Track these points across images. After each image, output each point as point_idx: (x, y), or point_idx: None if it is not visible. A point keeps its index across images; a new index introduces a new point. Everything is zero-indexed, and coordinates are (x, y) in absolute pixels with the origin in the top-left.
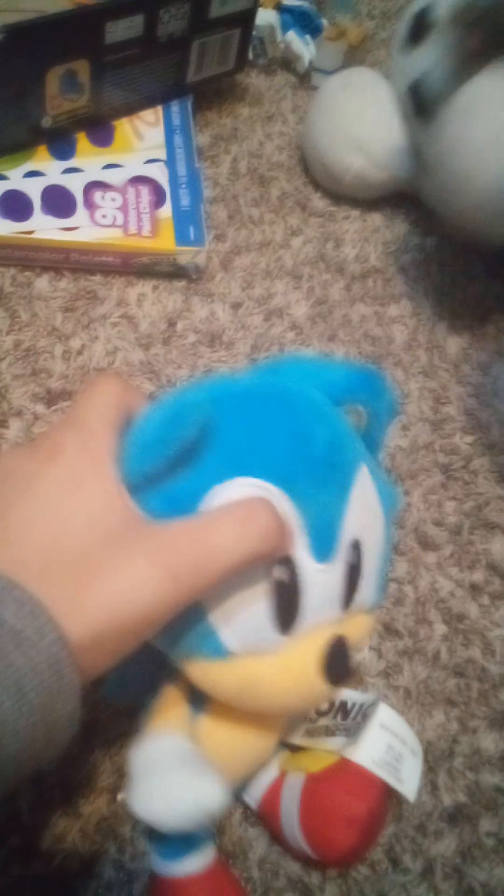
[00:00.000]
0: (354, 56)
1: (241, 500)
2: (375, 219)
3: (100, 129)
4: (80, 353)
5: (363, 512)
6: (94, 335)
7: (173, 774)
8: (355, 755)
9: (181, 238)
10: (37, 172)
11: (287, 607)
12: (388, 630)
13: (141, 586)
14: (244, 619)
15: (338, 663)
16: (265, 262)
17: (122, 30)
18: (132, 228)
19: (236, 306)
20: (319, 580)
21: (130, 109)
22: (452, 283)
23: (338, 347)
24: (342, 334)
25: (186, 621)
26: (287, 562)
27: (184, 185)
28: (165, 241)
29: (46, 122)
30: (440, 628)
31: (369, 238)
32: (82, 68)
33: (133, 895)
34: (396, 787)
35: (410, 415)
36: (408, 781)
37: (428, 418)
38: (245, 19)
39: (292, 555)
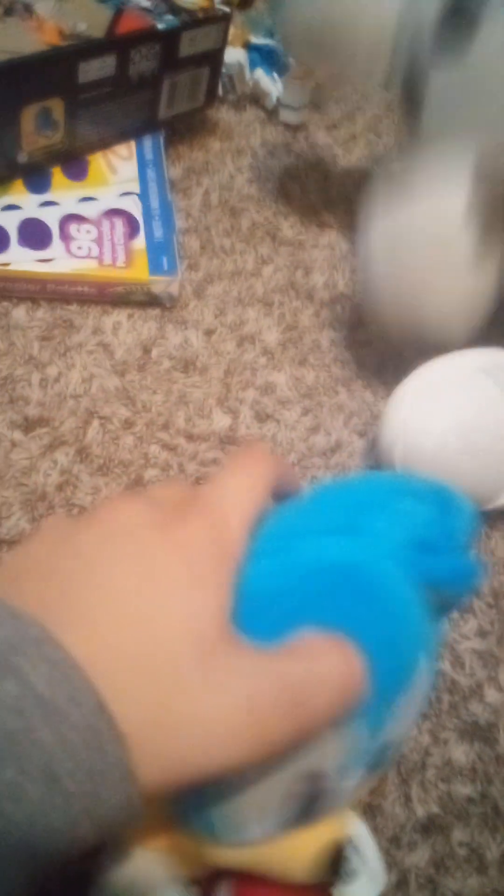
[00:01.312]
0: (321, 93)
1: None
2: (342, 247)
3: (74, 164)
4: (56, 380)
5: (404, 712)
6: (70, 363)
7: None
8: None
9: (155, 268)
10: (13, 206)
11: (305, 812)
12: None
13: (225, 744)
14: (264, 822)
15: (339, 868)
16: (237, 289)
17: (94, 70)
18: (107, 259)
19: (209, 333)
20: (338, 793)
21: (104, 144)
22: None
23: (308, 371)
24: (312, 359)
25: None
26: (312, 778)
27: (157, 217)
28: (139, 271)
29: (22, 158)
30: None
31: (337, 265)
32: (57, 106)
33: None
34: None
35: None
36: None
37: None
38: (213, 58)
39: (320, 770)
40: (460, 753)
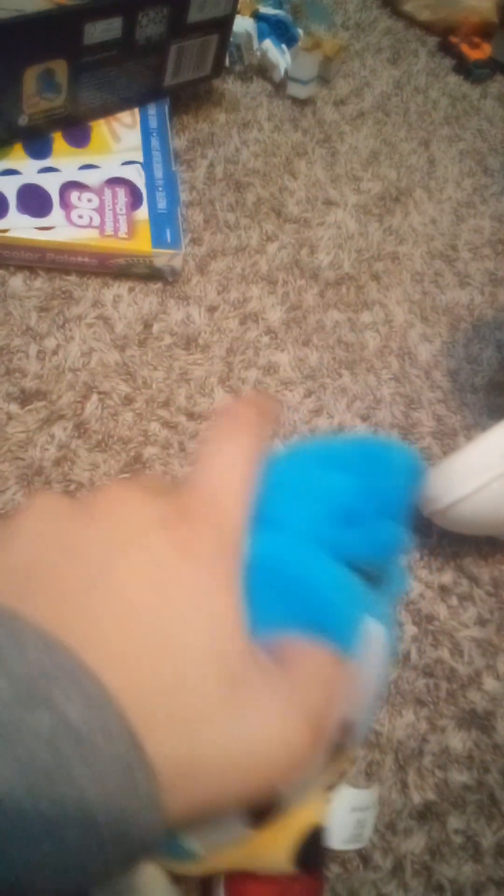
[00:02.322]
0: (329, 67)
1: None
2: (349, 226)
3: (76, 130)
4: (55, 353)
5: (357, 691)
6: (69, 335)
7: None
8: (328, 840)
9: (157, 240)
10: (12, 171)
11: (260, 816)
12: None
13: (253, 778)
14: (216, 830)
15: (310, 856)
16: (241, 266)
17: (100, 31)
18: (108, 229)
19: (212, 310)
20: (300, 787)
21: (107, 111)
22: (424, 293)
23: (311, 352)
24: (316, 339)
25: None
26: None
27: (160, 188)
28: (142, 243)
29: (23, 121)
30: (410, 629)
31: (343, 245)
32: (60, 68)
33: None
34: (357, 846)
35: (382, 420)
36: (367, 835)
37: (399, 423)
38: (222, 25)
39: None
40: (457, 741)
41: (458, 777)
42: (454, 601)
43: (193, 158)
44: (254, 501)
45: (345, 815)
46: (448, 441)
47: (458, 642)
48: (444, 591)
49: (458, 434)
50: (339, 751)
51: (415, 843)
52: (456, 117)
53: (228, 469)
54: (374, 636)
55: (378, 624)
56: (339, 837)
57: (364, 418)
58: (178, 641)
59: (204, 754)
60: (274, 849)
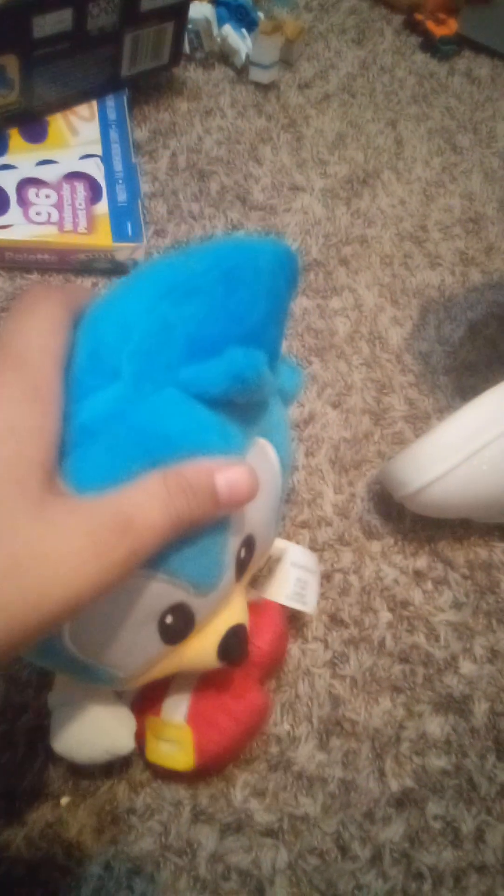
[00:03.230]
0: (291, 49)
1: (160, 475)
2: (317, 211)
3: (32, 125)
4: None
5: (253, 505)
6: None
7: (87, 719)
8: (268, 594)
9: (118, 234)
10: None
11: (178, 636)
12: (334, 620)
13: (75, 575)
14: (135, 658)
15: (233, 651)
16: None
17: (50, 24)
18: (68, 225)
19: None
20: (209, 600)
21: (64, 104)
22: (393, 276)
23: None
24: (286, 328)
25: (80, 668)
26: (175, 609)
27: (120, 181)
28: (102, 238)
29: None
30: (385, 616)
31: (311, 231)
32: (11, 63)
33: None
34: (302, 609)
35: (353, 406)
36: (310, 601)
37: (371, 409)
38: (178, 12)
39: (179, 601)
40: (435, 726)
41: (437, 762)
42: (429, 586)
43: (155, 149)
44: (85, 355)
45: (284, 568)
46: (421, 424)
47: (433, 627)
48: (418, 575)
49: (431, 417)
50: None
51: (393, 831)
52: (423, 96)
53: (34, 333)
54: (259, 453)
55: (264, 442)
56: (281, 592)
57: (335, 405)
58: None
59: (13, 566)
60: (199, 650)
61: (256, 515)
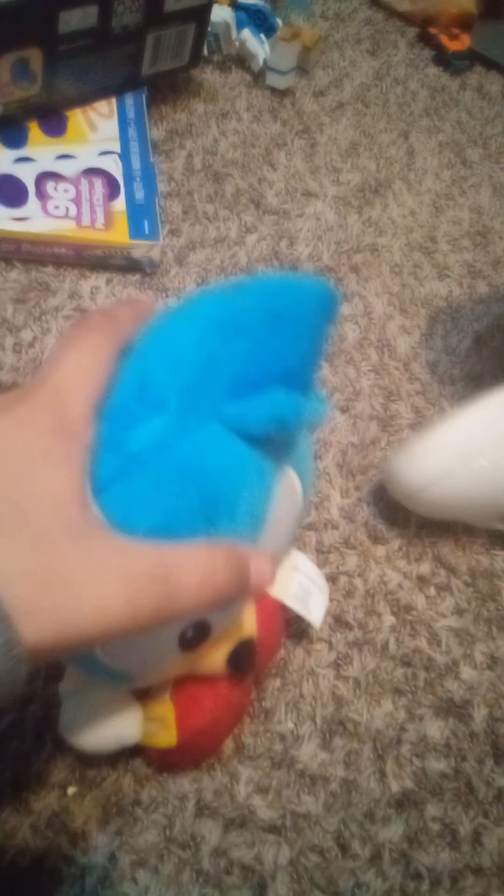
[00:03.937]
0: (308, 57)
1: (209, 548)
2: (329, 218)
3: (52, 119)
4: (31, 345)
5: (276, 531)
6: (45, 327)
7: (98, 709)
8: (272, 591)
9: (135, 231)
10: None
11: (193, 647)
12: (339, 622)
13: (106, 607)
14: (154, 666)
15: (241, 663)
16: (220, 258)
17: (75, 20)
18: (85, 220)
19: None
20: (227, 615)
21: (84, 100)
22: (402, 285)
23: None
24: None
25: (104, 672)
26: (197, 625)
27: (138, 179)
28: (119, 234)
29: None
30: (388, 619)
31: (322, 237)
32: (34, 57)
33: (86, 889)
34: (304, 615)
35: (361, 412)
36: (314, 611)
37: (378, 416)
38: (200, 14)
39: (202, 618)
40: (435, 730)
41: (436, 765)
42: (432, 591)
43: (171, 149)
44: (134, 383)
45: (287, 571)
46: None
47: (435, 632)
48: (421, 581)
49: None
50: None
51: (393, 832)
52: (435, 109)
53: (72, 367)
54: (286, 484)
55: (291, 472)
56: (283, 592)
57: (343, 410)
58: (15, 496)
59: (54, 588)
60: (209, 658)
61: (278, 539)
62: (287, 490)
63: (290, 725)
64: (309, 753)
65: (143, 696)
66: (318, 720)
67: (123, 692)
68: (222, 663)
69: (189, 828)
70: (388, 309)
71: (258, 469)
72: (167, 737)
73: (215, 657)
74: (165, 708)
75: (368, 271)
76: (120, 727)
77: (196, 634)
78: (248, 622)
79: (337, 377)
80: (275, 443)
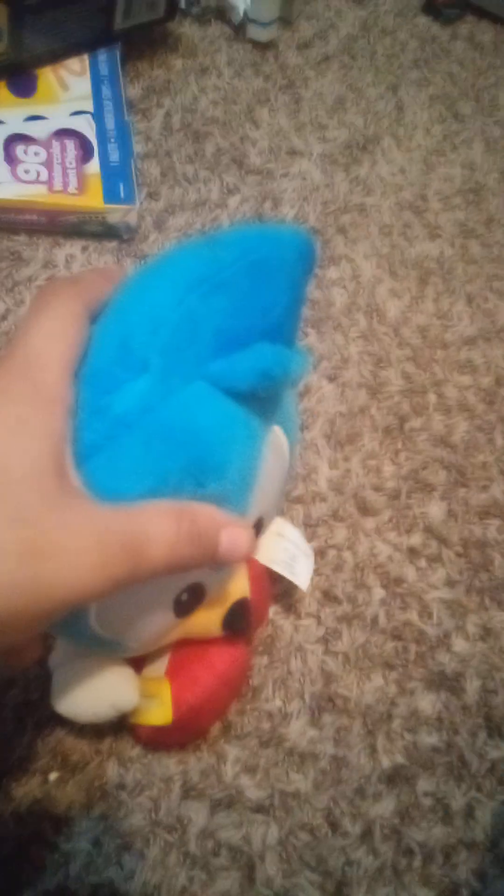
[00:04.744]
0: (291, 7)
1: (178, 517)
2: (315, 177)
3: (21, 78)
4: (3, 317)
5: (265, 491)
6: (19, 299)
7: (91, 675)
8: (257, 556)
9: (110, 195)
10: None
11: (188, 611)
12: (327, 596)
13: (81, 577)
14: (150, 632)
15: (237, 622)
16: (201, 221)
17: None
18: (57, 185)
19: None
20: (221, 576)
21: (54, 57)
22: (392, 246)
23: None
24: None
25: (98, 642)
26: (191, 588)
27: (113, 140)
28: (93, 199)
29: None
30: (378, 592)
31: (308, 197)
32: (0, 12)
33: (70, 875)
34: (291, 578)
35: (349, 380)
36: (301, 575)
37: (367, 383)
38: None
39: (197, 581)
40: (427, 703)
41: (428, 739)
42: (423, 563)
43: (148, 108)
44: (114, 346)
45: (272, 537)
46: (418, 399)
47: (426, 604)
48: (412, 553)
49: (428, 391)
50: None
51: (384, 808)
52: (425, 60)
53: (41, 333)
54: (274, 442)
55: (278, 430)
56: (268, 556)
57: (331, 379)
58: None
59: (31, 555)
60: (204, 621)
61: (266, 500)
62: (275, 448)
63: (279, 703)
64: (298, 731)
65: (137, 671)
66: (307, 697)
67: (116, 659)
68: (218, 624)
69: (175, 810)
70: (376, 272)
71: (246, 427)
72: (162, 714)
73: (210, 619)
74: (161, 684)
75: (356, 232)
76: (115, 693)
77: (191, 598)
78: (242, 582)
79: (324, 344)
80: (262, 400)
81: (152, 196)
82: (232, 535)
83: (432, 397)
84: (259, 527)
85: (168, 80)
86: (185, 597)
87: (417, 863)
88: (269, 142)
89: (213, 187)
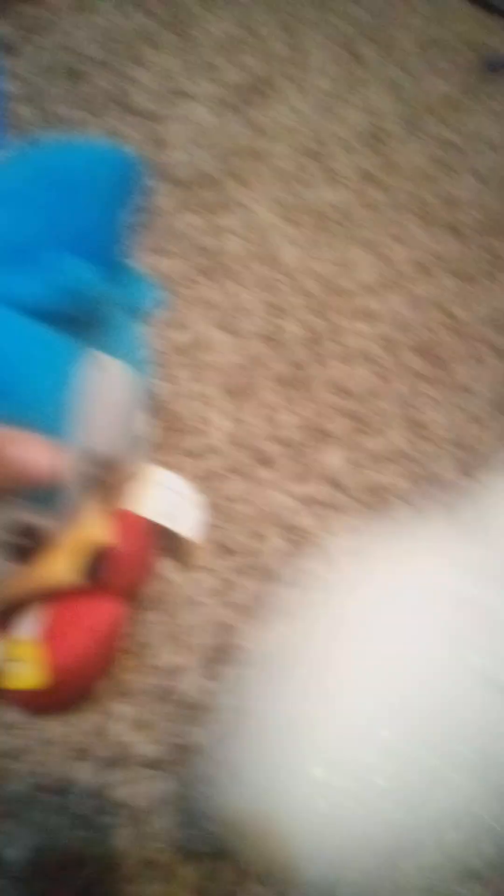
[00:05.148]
0: None
1: None
2: (205, 120)
3: None
4: None
5: (96, 420)
6: None
7: None
8: (135, 507)
9: None
10: None
11: (26, 556)
12: (222, 548)
13: None
14: None
15: (97, 572)
16: None
17: None
18: None
19: None
20: (56, 517)
21: None
22: (288, 192)
23: (164, 260)
24: (170, 246)
25: None
26: (16, 528)
27: None
28: None
29: None
30: (276, 542)
31: (198, 140)
32: None
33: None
34: (174, 529)
35: (244, 330)
36: (185, 525)
37: (262, 332)
38: None
39: (17, 520)
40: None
41: None
42: (319, 510)
43: (20, 45)
44: None
45: (148, 486)
46: (316, 347)
47: (326, 552)
48: (310, 501)
49: (326, 340)
50: (97, 483)
51: None
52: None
53: None
54: (103, 370)
55: (110, 358)
56: (146, 508)
57: (225, 329)
58: None
59: None
60: (57, 568)
61: (103, 430)
62: (105, 375)
63: (170, 657)
64: (194, 684)
65: (3, 635)
66: (202, 650)
67: None
68: (75, 572)
69: (59, 772)
70: (272, 218)
71: (46, 345)
72: (34, 677)
73: (64, 566)
74: (30, 648)
75: (251, 178)
76: None
77: (26, 542)
78: (100, 529)
79: (217, 294)
80: (77, 322)
81: (24, 139)
82: (23, 449)
83: (330, 345)
84: (103, 464)
85: (42, 17)
86: (11, 538)
87: None
88: (156, 83)
89: (93, 130)
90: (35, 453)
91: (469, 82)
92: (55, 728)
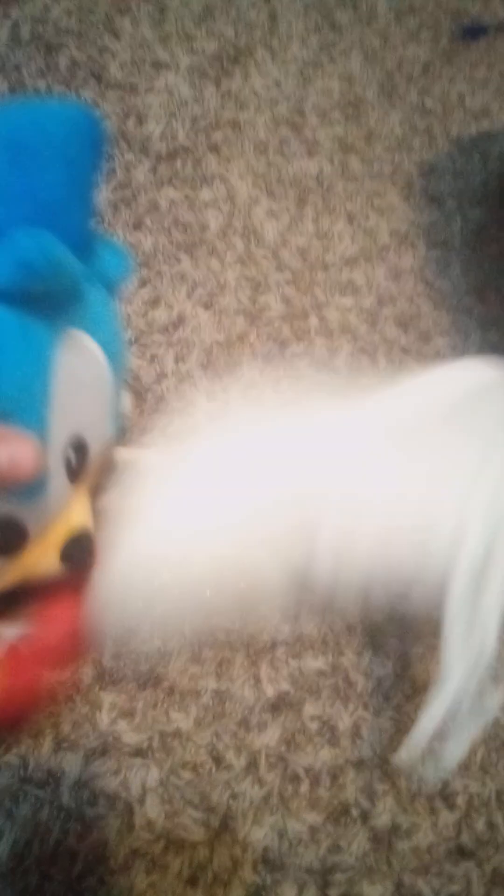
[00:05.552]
0: None
1: None
2: (183, 91)
3: None
4: None
5: (73, 405)
6: None
7: None
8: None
9: None
10: None
11: (9, 548)
12: None
13: None
14: None
15: (77, 555)
16: None
17: None
18: None
19: None
20: (38, 508)
21: None
22: (269, 164)
23: (144, 236)
24: (149, 221)
25: None
26: (8, 524)
27: None
28: None
29: None
30: None
31: (176, 113)
32: None
33: None
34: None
35: (226, 306)
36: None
37: (245, 309)
38: None
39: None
40: (312, 627)
41: (313, 664)
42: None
43: None
44: None
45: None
46: (299, 323)
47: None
48: None
49: (310, 315)
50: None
51: (269, 737)
52: None
53: None
54: (76, 349)
55: (82, 336)
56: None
57: (206, 306)
58: None
59: None
60: (40, 558)
61: (81, 414)
62: (75, 352)
63: (156, 643)
64: (178, 669)
65: None
66: (187, 633)
67: None
68: (55, 561)
69: (46, 764)
70: (253, 191)
71: (19, 329)
72: None
73: (45, 554)
74: None
75: (230, 150)
76: None
77: (8, 535)
78: (78, 512)
79: (198, 271)
80: (44, 299)
81: None
82: (10, 449)
83: (314, 321)
84: (81, 445)
85: None
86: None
87: (305, 787)
88: (132, 54)
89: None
90: (17, 452)
91: (448, 50)
92: (42, 720)
